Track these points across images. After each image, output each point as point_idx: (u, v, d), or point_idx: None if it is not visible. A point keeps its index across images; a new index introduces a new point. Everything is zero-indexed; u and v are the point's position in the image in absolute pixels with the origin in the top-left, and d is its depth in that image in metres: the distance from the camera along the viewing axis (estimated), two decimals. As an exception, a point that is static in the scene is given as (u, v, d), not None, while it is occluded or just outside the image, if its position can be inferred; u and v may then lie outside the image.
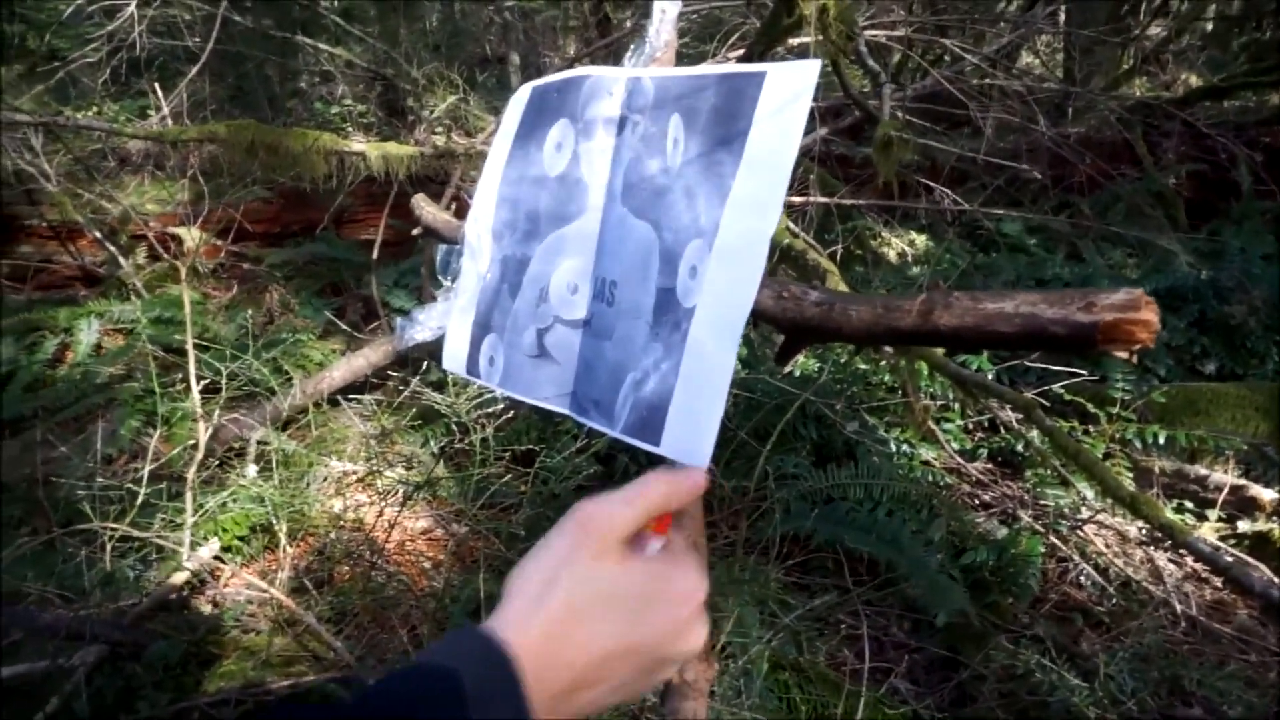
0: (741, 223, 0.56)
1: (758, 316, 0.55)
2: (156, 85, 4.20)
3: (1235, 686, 2.08)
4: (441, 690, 0.46)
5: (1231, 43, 8.65)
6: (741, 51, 3.51)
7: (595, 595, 0.51)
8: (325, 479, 2.81)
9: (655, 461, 0.62)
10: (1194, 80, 7.67)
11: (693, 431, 0.57)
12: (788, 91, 0.56)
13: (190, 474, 2.19)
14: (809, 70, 0.56)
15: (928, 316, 0.46)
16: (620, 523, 0.53)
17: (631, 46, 0.70)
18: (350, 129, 5.45)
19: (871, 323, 0.48)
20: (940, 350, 2.77)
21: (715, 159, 0.59)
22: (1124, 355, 0.43)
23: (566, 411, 0.69)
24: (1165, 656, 2.25)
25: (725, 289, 0.56)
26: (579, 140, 0.70)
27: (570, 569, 0.52)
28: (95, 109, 4.83)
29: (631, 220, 0.65)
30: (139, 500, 2.22)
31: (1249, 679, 2.20)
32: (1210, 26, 8.68)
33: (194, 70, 4.33)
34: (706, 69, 0.62)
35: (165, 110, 4.12)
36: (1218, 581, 2.69)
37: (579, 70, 0.72)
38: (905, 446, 2.99)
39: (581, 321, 0.68)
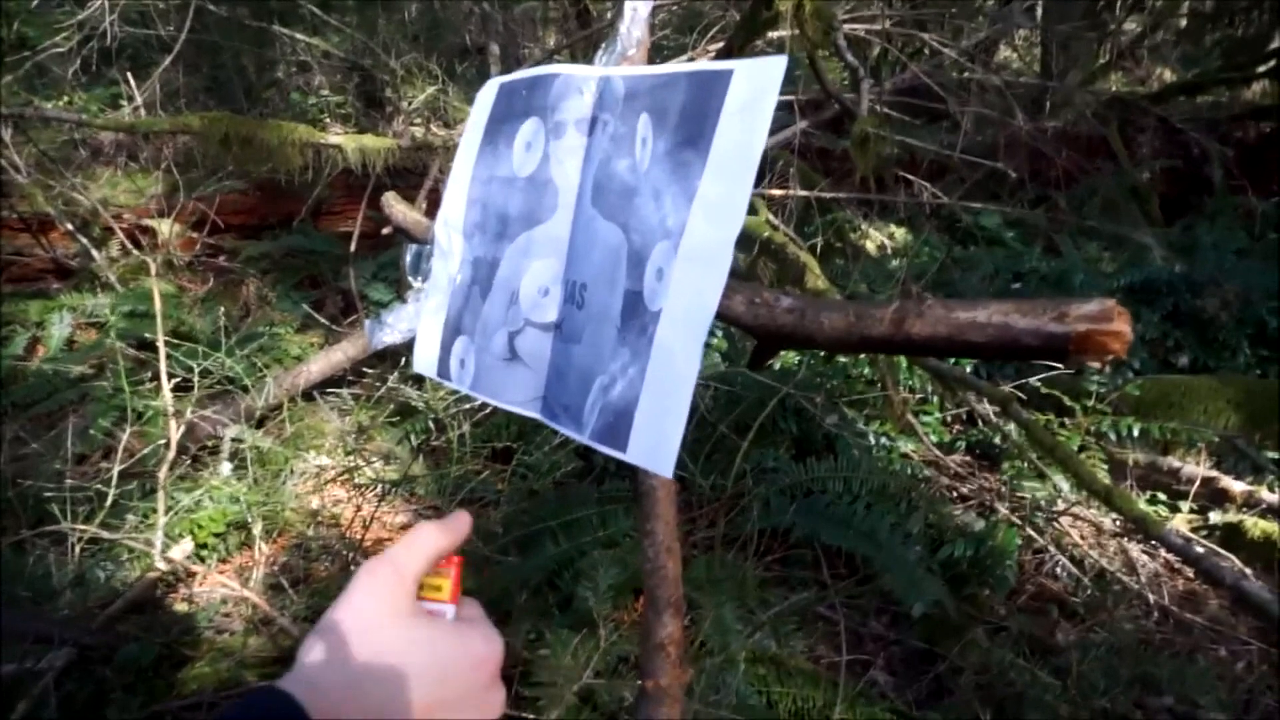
0: (707, 225, 0.55)
1: (730, 323, 0.54)
2: (129, 75, 4.14)
3: (1206, 678, 2.11)
4: None
5: (1205, 38, 8.74)
6: (720, 45, 3.50)
7: (388, 651, 0.50)
8: (302, 475, 2.78)
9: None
10: (1168, 75, 7.75)
11: (658, 438, 0.56)
12: (754, 89, 0.55)
13: (162, 473, 2.16)
14: (775, 67, 0.55)
15: (900, 325, 0.45)
16: (405, 568, 0.53)
17: (603, 45, 0.69)
18: (328, 120, 5.39)
19: (844, 331, 0.47)
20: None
21: (682, 159, 0.58)
22: (1096, 364, 0.42)
23: (538, 416, 0.68)
24: (1140, 649, 2.27)
25: (691, 291, 0.55)
26: (549, 140, 0.69)
27: (364, 623, 0.51)
28: (66, 99, 4.74)
29: (601, 222, 0.64)
30: (109, 500, 2.19)
31: (1219, 672, 2.22)
32: (1184, 22, 8.76)
33: (168, 60, 4.27)
34: (675, 67, 0.61)
35: (138, 100, 4.05)
36: (1190, 572, 2.72)
37: (549, 68, 0.70)
38: (884, 439, 3.00)
39: (553, 325, 0.67)
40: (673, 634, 0.69)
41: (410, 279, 0.81)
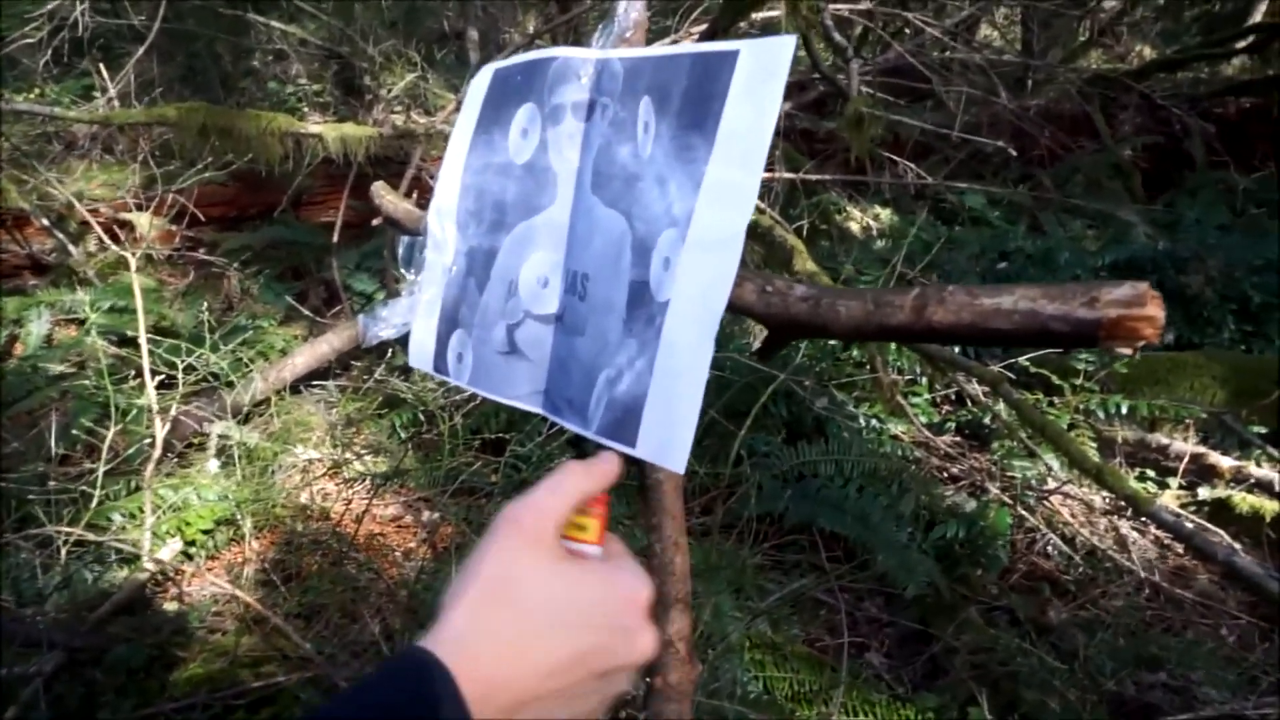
0: (716, 211, 0.53)
1: (741, 312, 0.53)
2: (101, 66, 4.06)
3: (1198, 652, 2.13)
4: None
5: (1184, 14, 8.77)
6: (704, 27, 3.46)
7: (537, 601, 0.49)
8: (291, 469, 2.75)
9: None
10: (1148, 52, 7.77)
11: (669, 432, 0.54)
12: (762, 70, 0.53)
13: (148, 471, 2.13)
14: (784, 47, 0.53)
15: (921, 313, 0.44)
16: (549, 513, 0.52)
17: (600, 26, 0.66)
18: (306, 109, 5.32)
19: (862, 319, 0.46)
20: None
21: (687, 144, 0.56)
22: (1127, 351, 0.41)
23: (540, 410, 0.66)
24: (1133, 626, 2.29)
25: (700, 281, 0.53)
26: (546, 126, 0.67)
27: (509, 573, 0.49)
28: (37, 91, 4.65)
29: (602, 210, 0.62)
30: (95, 501, 2.15)
31: (1216, 649, 2.24)
32: (1163, -1, 8.78)
33: (141, 50, 4.19)
34: (678, 48, 0.59)
35: (111, 92, 3.98)
36: (1179, 548, 2.74)
37: (544, 51, 0.68)
38: (874, 422, 3.00)
39: (553, 316, 0.65)
40: (681, 630, 0.68)
41: (403, 271, 0.78)
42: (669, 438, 0.54)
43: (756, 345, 3.28)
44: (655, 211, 0.57)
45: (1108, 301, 0.39)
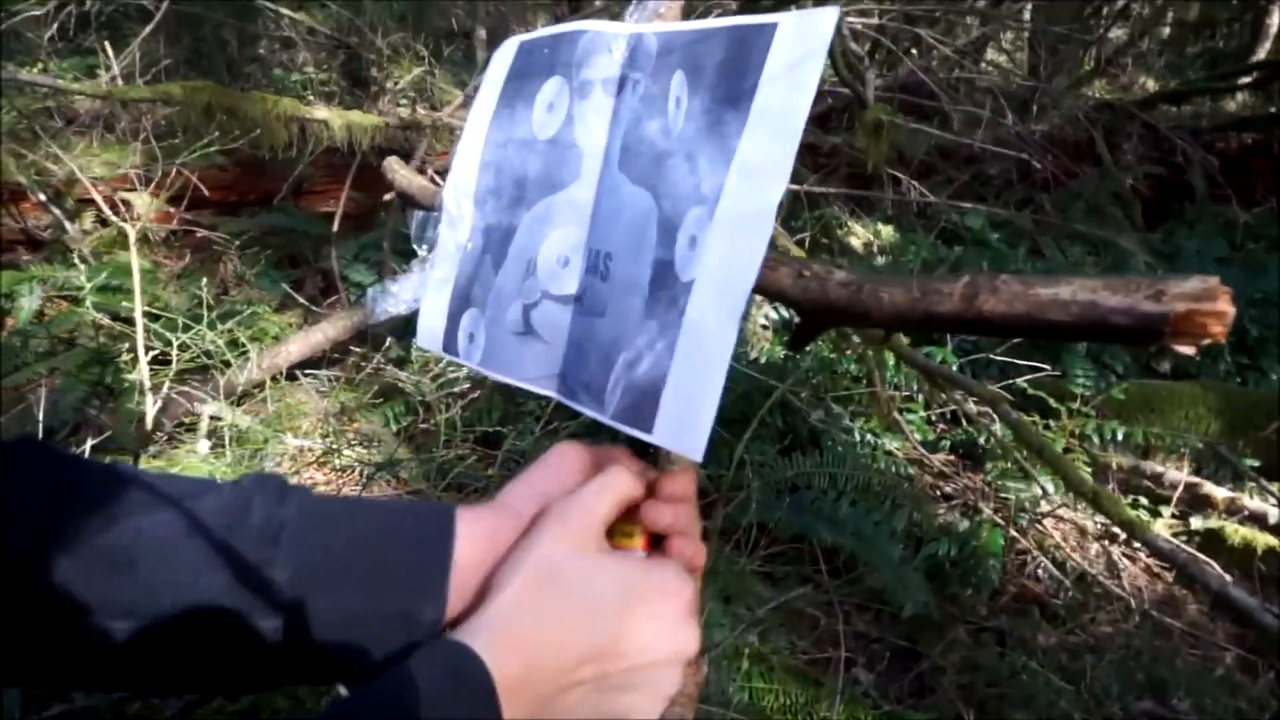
0: (745, 189, 0.51)
1: (775, 297, 0.51)
2: (107, 44, 4.02)
3: (1197, 682, 2.11)
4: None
5: (1187, 49, 8.84)
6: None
7: (581, 588, 0.50)
8: (281, 456, 2.72)
9: (630, 443, 0.58)
10: (1151, 84, 7.82)
11: (688, 418, 0.52)
12: (801, 44, 0.51)
13: (135, 450, 2.10)
14: (826, 20, 0.51)
15: (972, 302, 0.42)
16: (596, 513, 0.53)
17: (632, 2, 0.64)
18: (311, 97, 5.29)
19: (906, 307, 0.44)
20: (906, 340, 2.76)
21: (719, 119, 0.54)
22: (1189, 350, 0.39)
23: (554, 394, 0.64)
24: (1121, 652, 2.27)
25: (726, 261, 0.51)
26: (574, 100, 0.65)
27: (554, 562, 0.50)
28: (40, 66, 4.61)
29: (629, 187, 0.60)
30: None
31: (1213, 674, 2.23)
32: (1168, 32, 8.85)
33: (147, 30, 4.16)
34: (715, 21, 0.57)
35: (116, 70, 3.94)
36: (1168, 576, 2.73)
37: (574, 24, 0.66)
38: (870, 436, 2.99)
39: (572, 297, 0.63)
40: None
41: (415, 247, 0.76)
42: (688, 423, 0.52)
43: (755, 352, 3.26)
44: (683, 189, 0.55)
45: (1175, 295, 0.37)
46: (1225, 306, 0.37)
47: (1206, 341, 0.38)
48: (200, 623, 0.49)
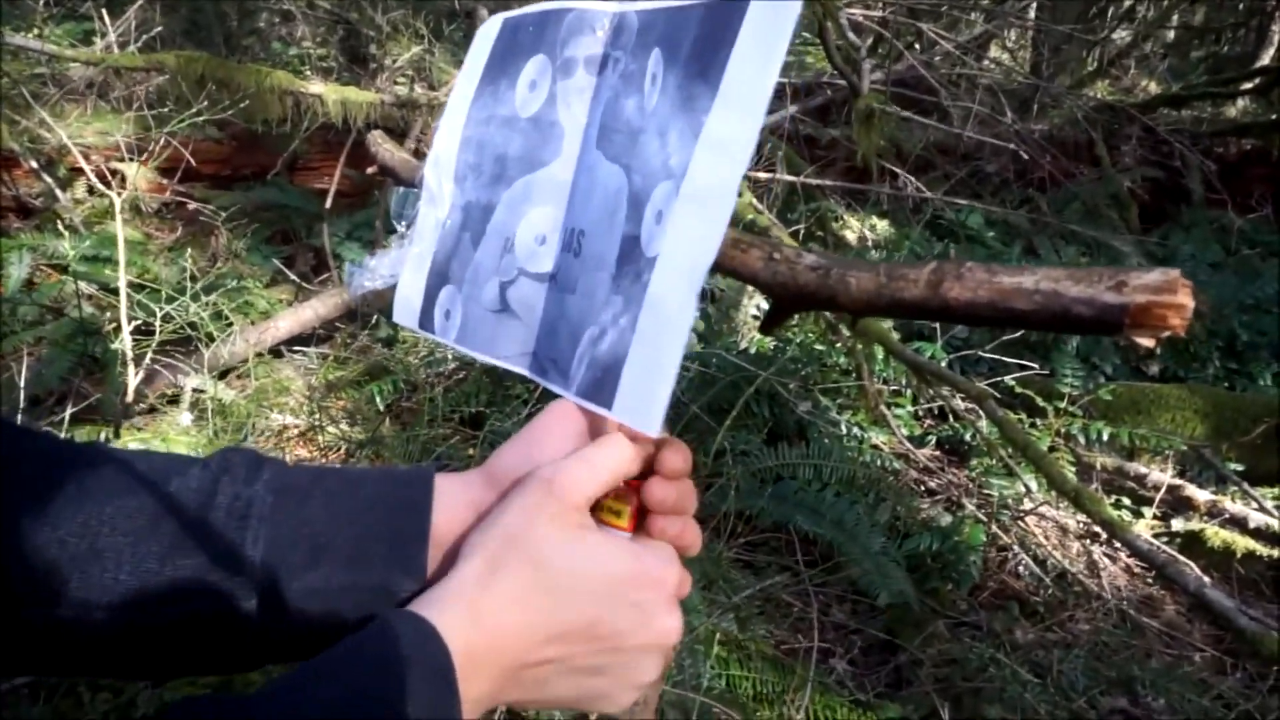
0: (711, 161, 0.51)
1: (745, 279, 0.50)
2: (104, 11, 3.98)
3: (1163, 678, 2.13)
4: (373, 689, 0.41)
5: (1190, 53, 8.83)
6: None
7: (556, 562, 0.48)
8: (264, 432, 2.71)
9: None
10: (1153, 88, 7.82)
11: (645, 393, 0.51)
12: (771, 20, 0.51)
13: (116, 420, 2.09)
14: (791, 7, 0.51)
15: (937, 288, 0.41)
16: (584, 483, 0.50)
17: (619, -18, 0.64)
18: (309, 72, 5.25)
19: (873, 293, 0.44)
20: (896, 335, 2.77)
21: (691, 93, 0.53)
22: (1149, 342, 0.39)
23: (526, 372, 0.64)
24: (1098, 650, 2.29)
25: (689, 236, 0.51)
26: (556, 79, 0.65)
27: (532, 530, 0.48)
28: (35, 31, 4.56)
29: (604, 165, 0.59)
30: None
31: (1184, 672, 2.25)
32: (1172, 35, 8.85)
33: (144, -2, 4.12)
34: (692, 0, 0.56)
35: (112, 38, 3.91)
36: (1149, 577, 2.75)
37: (559, 3, 0.66)
38: (856, 429, 3.00)
39: (548, 275, 0.63)
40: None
41: (395, 223, 0.76)
42: (645, 398, 0.51)
43: (744, 341, 3.27)
44: (654, 164, 0.55)
45: (1136, 286, 0.37)
46: (1185, 299, 0.37)
47: (1166, 334, 0.38)
48: (171, 608, 0.49)
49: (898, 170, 4.19)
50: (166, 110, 3.14)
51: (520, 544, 0.47)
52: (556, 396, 0.60)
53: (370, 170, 0.78)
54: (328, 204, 3.81)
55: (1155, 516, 2.84)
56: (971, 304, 0.41)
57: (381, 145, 0.79)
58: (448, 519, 0.54)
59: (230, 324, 2.81)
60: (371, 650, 0.42)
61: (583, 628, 0.47)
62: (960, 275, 0.42)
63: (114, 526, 0.49)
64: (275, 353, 3.12)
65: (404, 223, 0.76)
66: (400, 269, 0.74)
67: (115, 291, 2.38)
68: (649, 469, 0.54)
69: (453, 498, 0.55)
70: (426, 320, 0.72)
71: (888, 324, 2.37)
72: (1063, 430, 2.97)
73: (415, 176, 0.76)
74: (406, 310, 0.74)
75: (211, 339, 2.74)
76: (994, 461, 2.91)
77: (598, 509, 0.53)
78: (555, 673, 0.47)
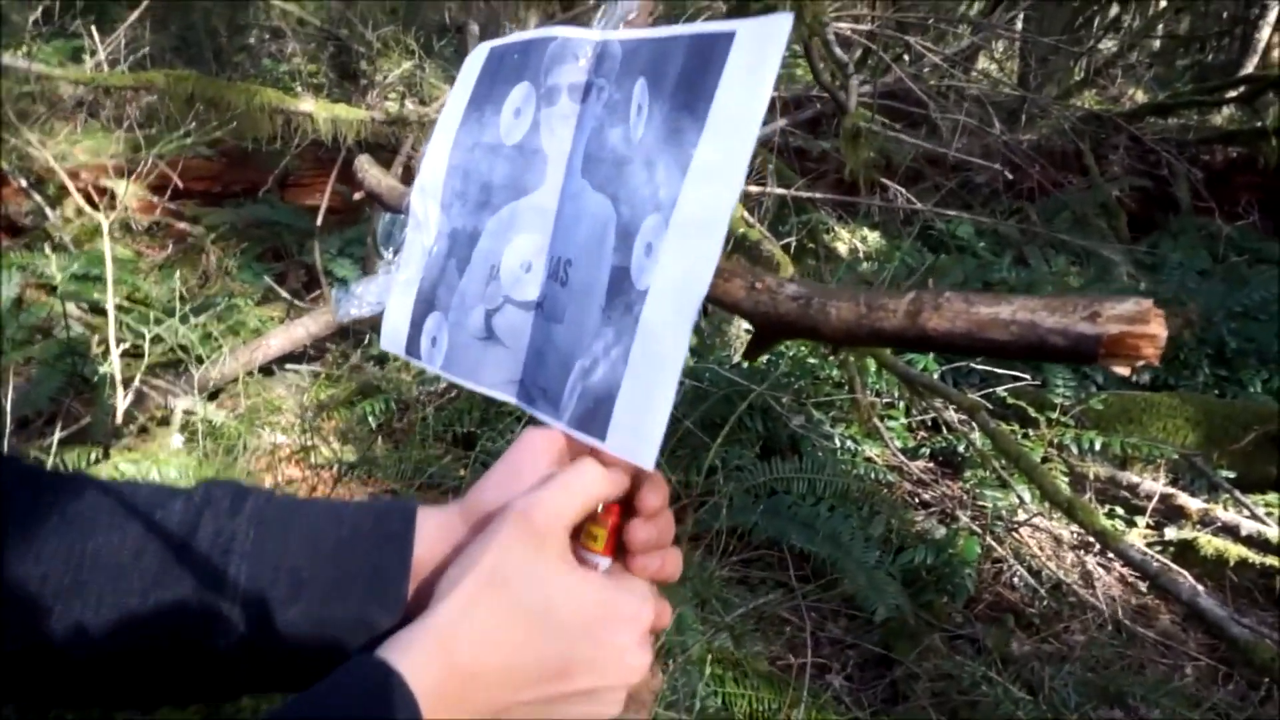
0: (701, 196, 0.51)
1: (728, 308, 0.51)
2: (94, 28, 3.99)
3: (1155, 690, 2.13)
4: None
5: (1176, 62, 8.91)
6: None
7: (534, 601, 0.47)
8: (256, 451, 2.70)
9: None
10: (1140, 97, 7.87)
11: (640, 426, 0.52)
12: (758, 50, 0.51)
13: (105, 443, 2.08)
14: (780, 26, 0.51)
15: (915, 318, 0.42)
16: (562, 513, 0.50)
17: (602, 8, 0.64)
18: (300, 89, 5.26)
19: (853, 322, 0.44)
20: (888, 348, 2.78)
21: (678, 126, 0.54)
22: (1124, 371, 0.39)
23: (513, 400, 0.64)
24: (1096, 665, 2.29)
25: (681, 267, 0.51)
26: (541, 107, 0.65)
27: (510, 568, 0.48)
28: (24, 49, 4.56)
29: (590, 194, 0.59)
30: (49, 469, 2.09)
31: (1175, 685, 2.25)
32: (1158, 44, 8.92)
33: (134, 15, 4.13)
34: (677, 29, 0.57)
35: (101, 56, 3.91)
36: (1143, 586, 2.75)
37: (544, 30, 0.66)
38: (849, 443, 3.00)
39: (534, 303, 0.63)
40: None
41: (381, 249, 0.76)
42: (640, 431, 0.52)
43: (738, 356, 3.27)
44: (641, 195, 0.55)
45: (1110, 317, 0.38)
46: (1157, 329, 0.37)
47: (1140, 363, 0.38)
48: (153, 641, 0.49)
49: (888, 182, 4.21)
50: (155, 131, 3.14)
51: (496, 583, 0.47)
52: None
53: (357, 196, 0.79)
54: (319, 221, 3.81)
55: (1148, 525, 2.85)
56: (949, 334, 0.41)
57: (369, 171, 0.79)
58: (429, 552, 0.54)
59: (220, 345, 2.80)
60: (334, 702, 0.42)
61: (558, 670, 0.47)
62: (938, 306, 0.42)
63: (96, 560, 0.49)
64: (266, 370, 3.12)
65: (391, 249, 0.76)
66: (387, 296, 0.74)
67: (105, 312, 2.37)
68: (626, 493, 0.54)
69: (431, 528, 0.55)
70: (413, 347, 0.72)
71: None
72: (1055, 440, 2.97)
73: (402, 203, 0.76)
74: (393, 337, 0.74)
75: (201, 361, 2.73)
76: (987, 473, 2.91)
77: (575, 534, 0.53)
78: (528, 714, 0.47)
